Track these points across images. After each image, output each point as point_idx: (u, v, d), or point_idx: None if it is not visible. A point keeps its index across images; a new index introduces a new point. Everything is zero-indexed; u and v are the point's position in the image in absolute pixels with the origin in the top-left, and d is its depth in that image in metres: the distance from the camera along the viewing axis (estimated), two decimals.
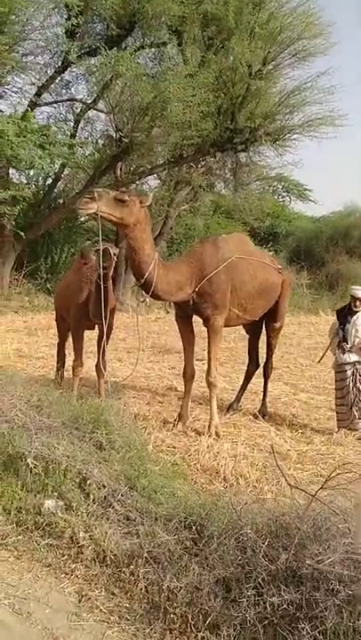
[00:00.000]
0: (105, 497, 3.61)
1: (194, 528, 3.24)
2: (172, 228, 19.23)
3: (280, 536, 2.94)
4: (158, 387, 8.17)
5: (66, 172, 16.60)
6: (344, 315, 6.27)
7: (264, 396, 6.98)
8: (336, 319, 6.37)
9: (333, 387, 6.50)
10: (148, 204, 5.26)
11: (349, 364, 6.18)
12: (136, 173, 16.25)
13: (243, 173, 17.68)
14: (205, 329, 6.06)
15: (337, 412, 6.38)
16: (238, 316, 6.11)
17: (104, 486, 3.66)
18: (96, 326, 6.54)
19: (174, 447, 5.60)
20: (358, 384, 6.15)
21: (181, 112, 13.05)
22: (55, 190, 17.29)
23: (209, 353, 5.95)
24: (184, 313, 6.04)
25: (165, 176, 17.42)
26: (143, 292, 5.53)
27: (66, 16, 13.82)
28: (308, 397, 8.14)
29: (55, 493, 3.66)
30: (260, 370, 7.23)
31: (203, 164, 18.30)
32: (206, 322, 5.88)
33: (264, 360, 7.17)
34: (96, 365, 6.60)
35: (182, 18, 14.16)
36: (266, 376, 7.05)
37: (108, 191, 5.21)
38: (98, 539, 3.28)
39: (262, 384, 7.23)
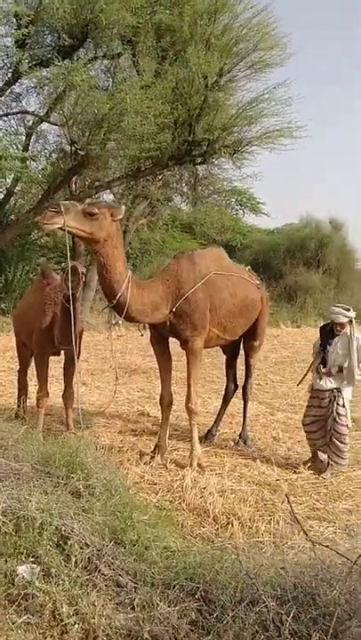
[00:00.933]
0: (89, 558, 3.09)
1: (198, 595, 2.76)
2: (130, 243, 18.74)
3: (305, 604, 2.49)
4: (129, 412, 7.65)
5: (18, 187, 15.92)
6: (326, 335, 5.75)
7: (244, 419, 6.55)
8: (319, 337, 5.91)
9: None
10: (119, 217, 4.78)
11: (327, 391, 5.65)
12: (92, 187, 15.69)
13: (202, 186, 17.34)
14: (180, 350, 5.61)
15: (308, 438, 5.87)
16: (218, 337, 5.67)
17: (87, 545, 3.14)
18: (62, 352, 6.00)
19: (155, 483, 5.10)
20: (335, 414, 5.58)
21: (139, 124, 12.61)
22: (7, 206, 16.58)
23: (189, 377, 5.47)
24: (160, 335, 5.57)
25: (123, 190, 16.95)
26: (115, 314, 5.04)
27: (15, 26, 13.25)
28: (286, 417, 7.77)
29: (30, 558, 3.11)
30: (236, 391, 6.82)
31: (160, 177, 17.92)
32: (185, 344, 5.41)
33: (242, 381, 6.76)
34: (63, 394, 6.06)
35: (136, 28, 13.76)
36: (245, 398, 6.61)
37: (75, 203, 4.72)
38: (85, 614, 2.75)
39: (237, 405, 6.81)
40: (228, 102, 15.26)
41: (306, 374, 6.05)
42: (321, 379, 5.67)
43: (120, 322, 5.03)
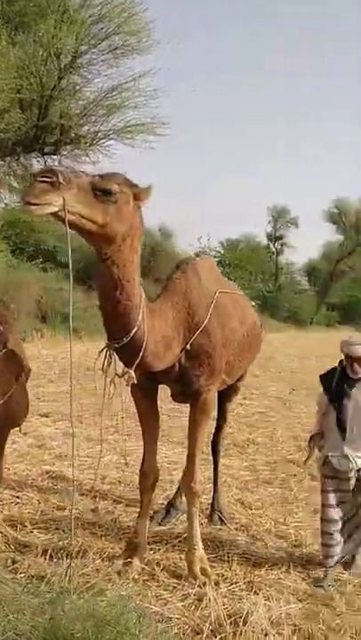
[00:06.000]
0: None
1: None
2: None
3: None
4: (31, 473, 5.56)
5: None
6: (336, 385, 3.93)
7: (215, 484, 4.88)
8: (323, 390, 4.06)
9: (320, 501, 4.07)
10: (146, 201, 2.96)
11: (352, 470, 3.90)
12: None
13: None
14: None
15: (323, 544, 3.99)
16: (223, 381, 3.99)
17: None
18: None
19: (168, 618, 3.23)
20: None
21: None
22: None
23: (193, 445, 3.70)
24: (151, 383, 3.70)
25: None
26: (120, 361, 3.11)
27: None
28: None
29: None
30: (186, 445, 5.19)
31: None
32: (195, 397, 3.63)
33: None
34: None
35: None
36: (216, 455, 4.95)
37: (77, 172, 2.80)
38: None
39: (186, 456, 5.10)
40: (86, 87, 13.47)
41: (312, 450, 4.19)
42: (344, 455, 3.89)
43: (132, 374, 3.07)
